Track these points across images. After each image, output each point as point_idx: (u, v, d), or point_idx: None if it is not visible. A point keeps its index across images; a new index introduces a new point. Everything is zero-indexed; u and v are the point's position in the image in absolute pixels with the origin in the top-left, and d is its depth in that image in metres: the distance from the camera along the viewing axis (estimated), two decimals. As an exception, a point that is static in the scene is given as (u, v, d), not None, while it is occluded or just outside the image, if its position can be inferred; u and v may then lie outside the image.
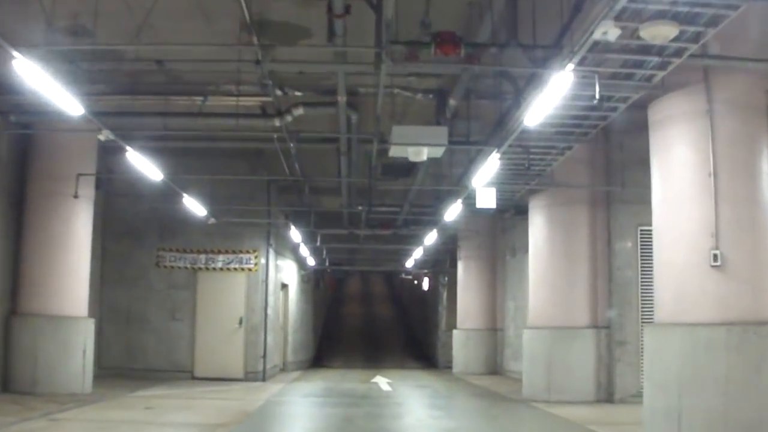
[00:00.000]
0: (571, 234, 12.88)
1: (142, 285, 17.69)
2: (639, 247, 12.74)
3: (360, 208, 18.71)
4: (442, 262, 24.95)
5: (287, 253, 21.89)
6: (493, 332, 21.30)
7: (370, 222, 19.50)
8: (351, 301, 42.15)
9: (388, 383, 17.29)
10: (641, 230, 12.78)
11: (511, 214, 15.57)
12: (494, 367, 21.15)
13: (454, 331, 22.04)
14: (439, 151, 9.36)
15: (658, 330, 8.11)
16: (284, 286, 22.09)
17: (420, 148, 9.10)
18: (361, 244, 22.44)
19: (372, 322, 36.93)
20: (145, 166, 11.26)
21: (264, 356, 17.77)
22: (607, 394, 12.43)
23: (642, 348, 12.22)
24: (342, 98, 10.70)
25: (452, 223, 16.31)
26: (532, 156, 10.43)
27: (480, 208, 14.49)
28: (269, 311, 18.74)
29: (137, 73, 11.99)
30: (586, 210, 12.91)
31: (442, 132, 9.21)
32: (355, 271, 48.16)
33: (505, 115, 9.60)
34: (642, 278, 12.62)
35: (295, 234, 17.65)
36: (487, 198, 11.34)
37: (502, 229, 21.23)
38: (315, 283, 27.80)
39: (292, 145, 13.55)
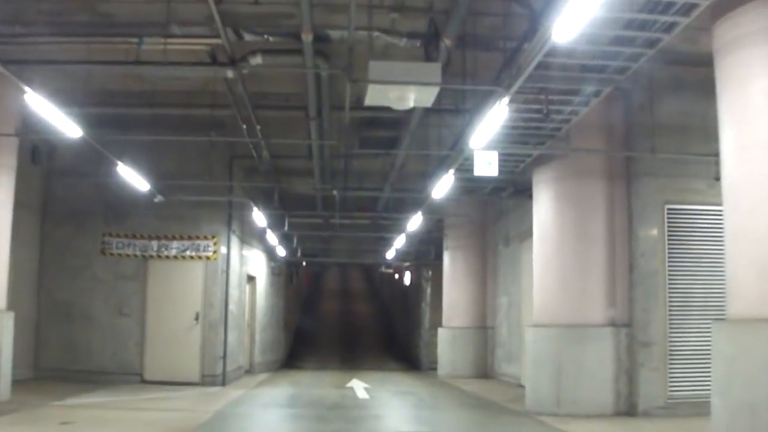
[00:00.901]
0: (584, 213, 10.78)
1: (86, 275, 15.49)
2: (666, 229, 10.67)
3: (335, 192, 16.53)
4: (426, 254, 22.80)
5: (255, 242, 19.66)
6: (483, 331, 19.18)
7: (346, 205, 17.31)
8: (328, 298, 39.91)
9: (366, 389, 15.12)
10: (669, 209, 10.73)
11: (510, 193, 13.42)
12: (484, 369, 19.03)
13: (440, 330, 19.90)
14: (430, 96, 7.21)
15: (737, 328, 5.98)
16: (251, 279, 19.86)
17: (405, 91, 6.94)
18: (337, 231, 20.22)
19: (350, 320, 34.72)
20: (58, 118, 8.95)
21: (224, 357, 15.54)
22: (627, 406, 10.33)
23: (670, 350, 10.20)
24: (307, 36, 8.49)
25: (440, 203, 14.18)
26: (550, 104, 8.22)
27: (474, 184, 12.45)
28: (231, 306, 16.52)
29: (60, 12, 9.76)
30: (602, 184, 10.81)
31: (433, 69, 7.04)
32: (333, 265, 46.10)
33: (520, 45, 7.40)
34: (670, 267, 10.56)
35: (259, 217, 15.36)
36: (487, 164, 9.17)
37: (495, 215, 19.10)
38: (288, 276, 25.57)
39: (251, 110, 11.39)
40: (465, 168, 10.68)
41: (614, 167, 10.86)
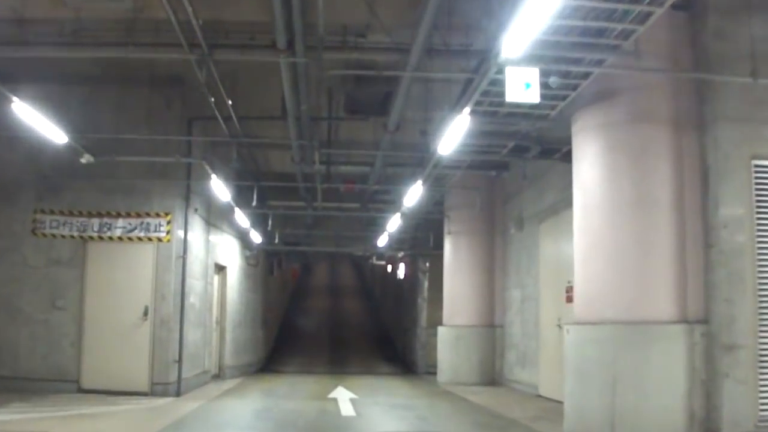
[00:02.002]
0: (644, 171, 8.02)
1: (12, 260, 12.81)
2: (754, 193, 7.93)
3: (317, 166, 13.75)
4: (424, 242, 20.02)
5: (225, 226, 16.85)
6: (491, 330, 16.44)
7: (331, 183, 14.53)
8: (316, 294, 37.05)
9: (352, 400, 12.35)
10: (757, 166, 7.98)
11: (535, 154, 10.62)
12: (491, 375, 16.28)
13: (440, 329, 17.13)
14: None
15: None
16: (221, 269, 17.06)
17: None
18: (318, 211, 17.39)
19: (339, 318, 31.90)
20: None
21: (179, 361, 12.75)
22: (705, 430, 7.56)
23: (761, 356, 7.47)
24: None
25: (442, 174, 11.36)
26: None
27: (490, 140, 9.68)
28: (192, 299, 13.74)
29: None
30: (668, 132, 8.05)
31: None
32: (321, 260, 43.44)
33: None
34: (760, 243, 7.81)
35: (219, 188, 12.52)
36: (524, 86, 6.37)
37: (504, 194, 16.35)
38: (267, 268, 22.75)
39: (205, 48, 8.62)
40: (488, 104, 7.88)
41: (683, 108, 8.11)
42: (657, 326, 7.66)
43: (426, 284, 20.79)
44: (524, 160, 10.77)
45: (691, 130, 8.08)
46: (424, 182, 11.65)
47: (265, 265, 22.25)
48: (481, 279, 16.59)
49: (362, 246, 21.16)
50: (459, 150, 10.09)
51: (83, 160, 10.23)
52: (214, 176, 11.60)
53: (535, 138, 10.00)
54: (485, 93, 7.41)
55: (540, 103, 7.73)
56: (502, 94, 7.30)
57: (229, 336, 17.41)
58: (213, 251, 15.86)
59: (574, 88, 7.43)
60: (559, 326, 12.46)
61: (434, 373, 18.42)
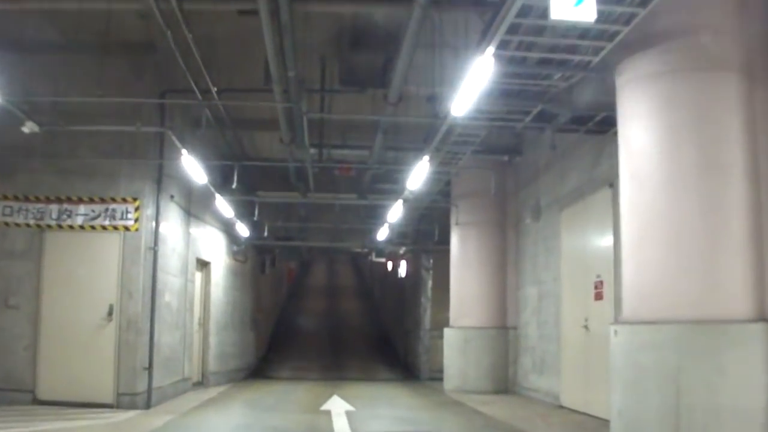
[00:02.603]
0: (709, 132, 6.36)
1: (-41, 253, 11.17)
2: None
3: (307, 148, 12.14)
4: (428, 236, 18.37)
5: (209, 217, 15.23)
6: (503, 332, 14.80)
7: (325, 173, 12.92)
8: (313, 295, 35.34)
9: (348, 413, 10.72)
10: None
11: (565, 121, 8.93)
12: (504, 382, 14.64)
13: (447, 331, 15.48)
14: None
15: None
16: (204, 265, 15.44)
17: None
18: (312, 201, 15.73)
19: (337, 320, 30.19)
20: None
21: (149, 368, 11.12)
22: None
23: None
24: None
25: (458, 133, 9.70)
26: None
27: (515, 102, 8.07)
28: (166, 297, 12.16)
29: None
30: (738, 84, 6.40)
31: None
32: (319, 260, 41.78)
33: None
34: None
35: (192, 167, 10.85)
36: (573, 2, 4.74)
37: (518, 181, 14.74)
38: (258, 265, 21.09)
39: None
40: (516, 45, 6.21)
41: (756, 54, 6.48)
42: (731, 326, 6.01)
43: (430, 282, 19.14)
44: (551, 130, 9.04)
45: (766, 80, 6.45)
46: (432, 159, 9.98)
47: (255, 262, 20.61)
48: (491, 275, 14.95)
49: (361, 241, 19.46)
50: (474, 117, 8.46)
51: (25, 129, 8.57)
52: (185, 152, 9.92)
53: (566, 102, 8.33)
54: (513, 29, 5.76)
55: (581, 45, 6.11)
56: (536, 30, 5.68)
57: (213, 339, 15.78)
58: (194, 245, 14.24)
59: (627, 21, 5.78)
60: (586, 327, 10.85)
61: (439, 379, 16.82)
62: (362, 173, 15.06)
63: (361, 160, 13.75)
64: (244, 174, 16.43)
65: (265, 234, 17.54)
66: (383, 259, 20.97)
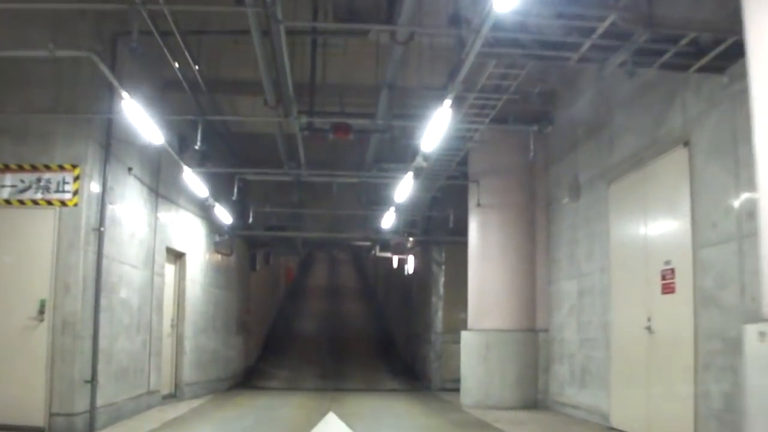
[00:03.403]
0: None
1: None
2: None
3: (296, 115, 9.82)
4: (440, 224, 15.98)
5: (184, 200, 12.90)
6: (532, 335, 12.43)
7: (313, 128, 10.52)
8: (312, 296, 32.84)
9: (344, 439, 8.33)
10: None
11: (645, 40, 6.48)
12: (533, 395, 12.27)
13: (464, 335, 13.07)
14: None
15: None
16: (178, 257, 13.09)
17: None
18: (303, 177, 13.36)
19: (337, 322, 27.73)
20: None
21: (92, 380, 8.75)
22: None
23: None
24: None
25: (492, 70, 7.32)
26: None
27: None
28: (122, 293, 9.91)
29: None
30: None
31: None
32: (320, 260, 39.53)
33: None
34: None
35: (141, 122, 8.44)
36: None
37: (550, 154, 12.36)
38: (249, 260, 18.72)
39: None
40: None
41: None
42: None
43: (442, 279, 16.73)
44: (626, 54, 6.60)
45: None
46: (455, 105, 7.58)
47: (245, 257, 18.23)
48: (517, 268, 12.58)
49: (363, 231, 16.97)
50: (512, 40, 6.07)
51: None
52: (126, 96, 7.54)
53: (644, 17, 5.94)
54: None
55: None
56: None
57: (189, 344, 13.40)
58: (163, 232, 11.90)
59: None
60: (649, 329, 8.47)
61: (453, 390, 14.51)
62: (364, 147, 12.72)
63: (362, 130, 11.40)
64: (227, 152, 14.12)
65: (250, 220, 15.11)
66: (388, 254, 18.58)
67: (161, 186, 11.67)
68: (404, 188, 11.35)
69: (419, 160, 9.09)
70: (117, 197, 9.65)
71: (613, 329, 9.62)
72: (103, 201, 9.04)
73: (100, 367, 9.00)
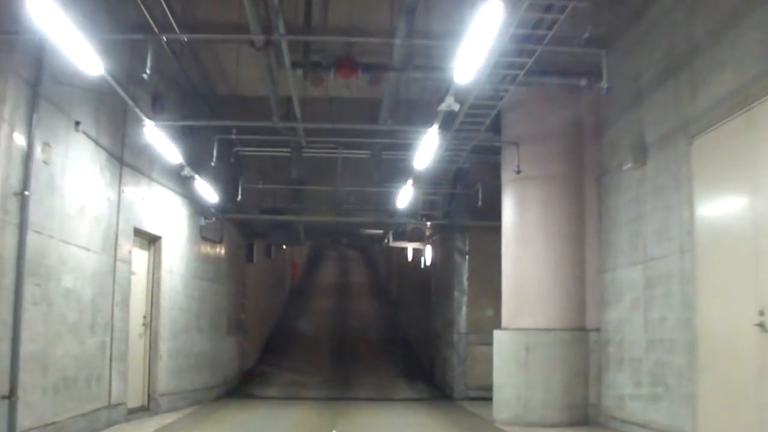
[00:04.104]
0: None
1: None
2: None
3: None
4: (464, 207, 13.71)
5: (158, 173, 10.73)
6: (582, 336, 10.15)
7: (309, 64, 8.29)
8: (320, 293, 30.47)
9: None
10: None
11: None
12: (584, 408, 10.00)
13: (498, 335, 10.77)
14: None
15: None
16: (152, 241, 10.91)
17: None
18: (298, 137, 11.11)
19: (346, 322, 25.40)
20: None
21: (10, 397, 6.53)
22: None
23: None
24: None
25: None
26: None
27: None
28: (66, 281, 7.78)
29: None
30: None
31: None
32: (329, 256, 37.57)
33: None
34: None
35: (83, 54, 6.22)
36: None
37: (600, 117, 10.08)
38: (246, 251, 16.53)
39: None
40: None
41: None
42: None
43: (466, 271, 14.44)
44: None
45: None
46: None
47: (238, 246, 16.04)
48: (563, 253, 10.31)
49: (374, 214, 14.56)
50: None
51: None
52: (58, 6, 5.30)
53: None
54: None
55: None
56: None
57: (166, 346, 11.20)
58: (130, 209, 9.74)
59: None
60: (762, 325, 6.20)
61: (478, 400, 12.47)
62: (375, 110, 10.50)
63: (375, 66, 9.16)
64: (213, 119, 11.93)
65: (239, 197, 12.83)
66: (403, 243, 16.33)
67: (127, 152, 9.51)
68: (427, 149, 9.04)
69: (449, 101, 6.80)
70: (57, 157, 7.47)
71: (701, 327, 7.34)
72: (29, 157, 6.83)
73: (28, 377, 6.83)
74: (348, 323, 25.34)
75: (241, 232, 15.99)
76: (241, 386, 15.50)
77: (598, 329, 10.03)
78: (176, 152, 9.44)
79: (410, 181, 11.15)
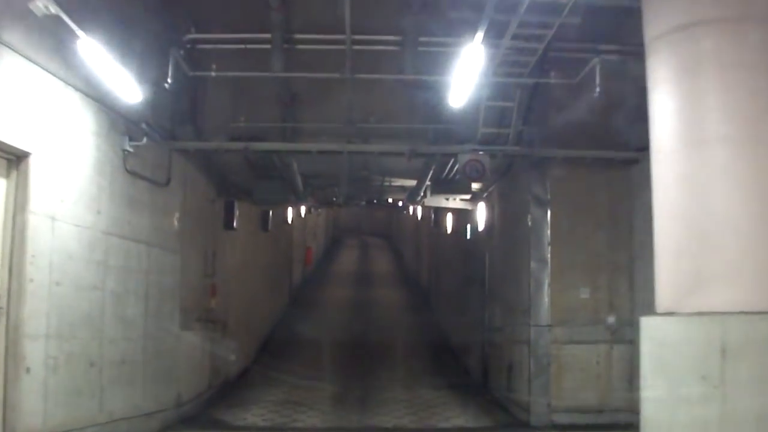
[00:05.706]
0: None
1: None
2: None
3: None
4: (544, 128, 8.75)
5: (21, 38, 5.80)
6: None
7: None
8: (337, 283, 25.43)
9: None
10: None
11: None
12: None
13: (652, 326, 5.59)
14: None
15: None
16: (11, 161, 5.99)
17: None
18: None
19: (367, 317, 20.22)
20: None
21: None
22: None
23: None
24: None
25: None
26: None
27: None
28: None
29: None
30: None
31: None
32: (345, 246, 33.25)
33: None
34: None
35: None
36: None
37: None
38: (224, 210, 11.62)
39: None
40: None
41: None
42: None
43: (548, 230, 9.42)
44: None
45: None
46: None
47: (207, 200, 11.13)
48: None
49: (406, 140, 9.28)
50: None
51: None
52: None
53: None
54: None
55: None
56: None
57: (41, 349, 6.27)
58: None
59: None
60: None
61: (573, 429, 7.64)
62: None
63: None
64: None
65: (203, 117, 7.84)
66: (447, 197, 11.30)
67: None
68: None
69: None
70: None
71: None
72: None
73: None
74: (367, 318, 20.25)
75: (212, 180, 11.11)
76: (208, 408, 10.51)
77: None
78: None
79: (479, 34, 6.07)
